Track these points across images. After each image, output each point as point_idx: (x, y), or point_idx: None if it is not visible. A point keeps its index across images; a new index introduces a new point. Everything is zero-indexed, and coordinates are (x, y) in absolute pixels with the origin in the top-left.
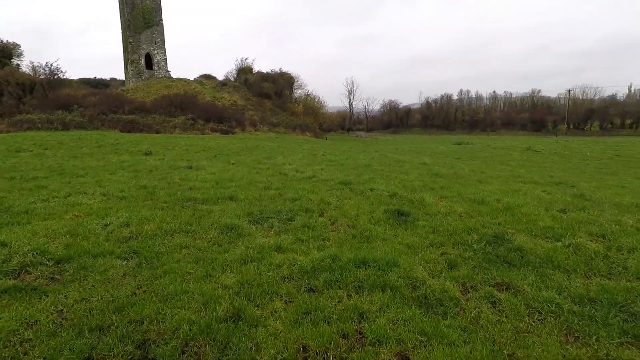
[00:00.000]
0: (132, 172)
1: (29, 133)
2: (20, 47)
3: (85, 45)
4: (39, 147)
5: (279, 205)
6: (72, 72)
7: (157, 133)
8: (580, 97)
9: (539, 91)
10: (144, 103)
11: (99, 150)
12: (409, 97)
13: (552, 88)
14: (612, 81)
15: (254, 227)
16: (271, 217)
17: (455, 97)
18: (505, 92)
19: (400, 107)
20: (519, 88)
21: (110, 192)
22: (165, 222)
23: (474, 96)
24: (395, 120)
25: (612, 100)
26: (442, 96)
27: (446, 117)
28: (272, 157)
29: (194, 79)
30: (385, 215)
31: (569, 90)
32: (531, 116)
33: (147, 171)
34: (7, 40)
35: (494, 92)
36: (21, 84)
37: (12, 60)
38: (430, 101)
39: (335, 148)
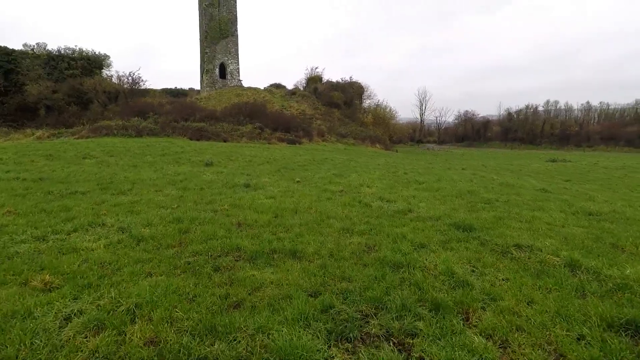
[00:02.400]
0: (180, 189)
1: (104, 139)
2: (109, 57)
3: (173, 58)
4: (105, 153)
5: (375, 285)
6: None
7: (225, 141)
8: None
9: None
10: (214, 111)
11: (161, 160)
12: (485, 109)
13: None
14: None
15: (335, 351)
16: (368, 321)
17: (541, 108)
18: (600, 102)
19: (478, 118)
20: (615, 99)
21: (133, 228)
22: (172, 322)
23: (563, 107)
24: (471, 132)
25: None
26: (527, 106)
27: (531, 130)
28: (345, 174)
29: (264, 87)
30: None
31: None
32: None
33: (197, 189)
34: (98, 52)
35: (588, 102)
36: (107, 92)
37: (102, 70)
38: (512, 112)
39: (414, 164)
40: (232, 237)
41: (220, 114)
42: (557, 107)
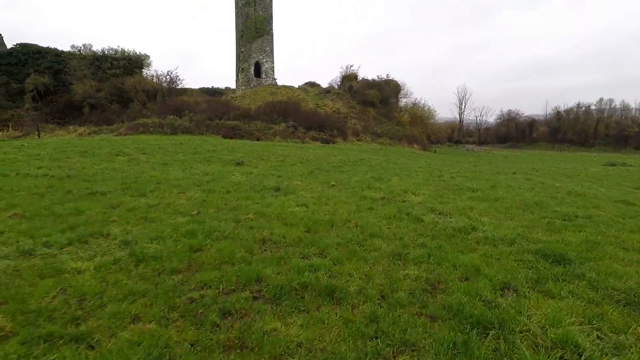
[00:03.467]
0: (205, 192)
1: (140, 136)
2: (149, 57)
3: (212, 59)
4: (139, 151)
5: None
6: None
7: (257, 140)
8: None
9: None
10: (248, 110)
11: (192, 158)
12: (529, 108)
13: None
14: None
15: None
16: None
17: (593, 107)
18: None
19: (522, 118)
20: None
21: (138, 241)
22: None
23: (618, 106)
24: (514, 133)
25: None
26: (578, 105)
27: (582, 131)
28: (384, 177)
29: (299, 86)
30: None
31: None
32: None
33: (223, 192)
34: (139, 52)
35: None
36: (146, 91)
37: (142, 70)
38: (561, 111)
39: (458, 166)
40: (252, 260)
41: (254, 112)
42: (612, 105)
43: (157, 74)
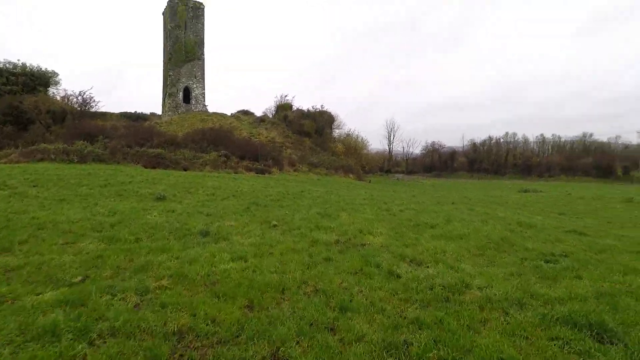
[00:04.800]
0: (106, 241)
1: (37, 165)
2: (58, 75)
3: (138, 82)
4: (28, 183)
5: None
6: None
7: (185, 170)
8: None
9: (591, 135)
10: (174, 137)
11: (100, 192)
12: (449, 140)
13: (598, 131)
14: None
15: None
16: None
17: (501, 140)
18: (553, 135)
19: (444, 149)
20: (561, 132)
21: None
22: None
23: (520, 139)
24: (438, 163)
25: None
26: (490, 138)
27: (495, 161)
28: (331, 213)
29: (232, 114)
30: None
31: None
32: (596, 161)
33: (131, 241)
34: (45, 68)
35: (542, 135)
36: (52, 112)
37: (48, 89)
38: (477, 144)
39: (399, 197)
40: None
41: (182, 139)
42: (515, 139)
43: (66, 94)
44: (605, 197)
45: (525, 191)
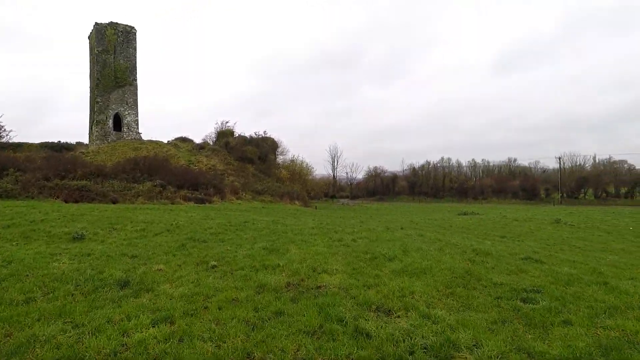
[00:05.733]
0: None
1: None
2: None
3: (64, 111)
4: None
5: None
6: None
7: (114, 203)
8: (567, 165)
9: (515, 160)
10: (102, 167)
11: (1, 234)
12: (390, 165)
13: (521, 157)
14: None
15: None
16: None
17: (438, 164)
18: (482, 159)
19: (386, 174)
20: (490, 157)
21: None
22: None
23: (455, 164)
24: (381, 187)
25: (606, 167)
26: (427, 163)
27: (434, 185)
28: (279, 247)
29: (168, 141)
30: None
31: (560, 157)
32: (522, 184)
33: (18, 304)
34: None
35: (473, 160)
36: None
37: None
38: (416, 168)
39: (349, 224)
40: None
41: (111, 170)
42: (450, 163)
43: None
44: (535, 218)
45: (465, 214)
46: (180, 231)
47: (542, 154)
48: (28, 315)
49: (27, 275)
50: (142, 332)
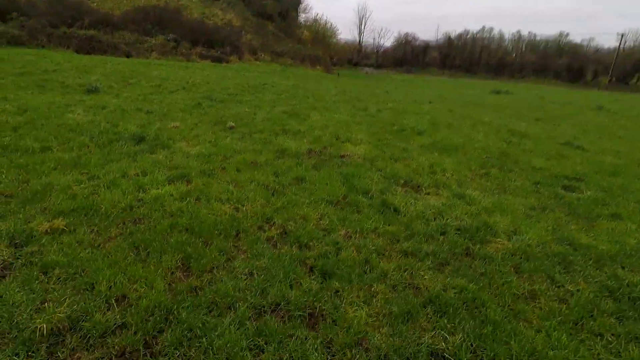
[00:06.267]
0: None
1: None
2: None
3: None
4: None
5: None
6: None
7: (127, 56)
8: (629, 45)
9: (567, 34)
10: (110, 15)
11: (14, 82)
12: (423, 33)
13: (574, 31)
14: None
15: None
16: None
17: (477, 34)
18: (529, 32)
19: (417, 42)
20: (539, 30)
21: None
22: None
23: (496, 35)
24: (410, 57)
25: None
26: (465, 32)
27: (469, 58)
28: (300, 112)
29: None
30: None
31: (623, 34)
32: (569, 63)
33: (34, 152)
34: None
35: (519, 31)
36: None
37: None
38: (452, 37)
39: (373, 93)
40: None
41: (120, 19)
42: (491, 34)
43: None
44: (575, 102)
45: (498, 92)
46: (197, 90)
47: (600, 28)
48: (44, 164)
49: (43, 124)
50: (158, 188)
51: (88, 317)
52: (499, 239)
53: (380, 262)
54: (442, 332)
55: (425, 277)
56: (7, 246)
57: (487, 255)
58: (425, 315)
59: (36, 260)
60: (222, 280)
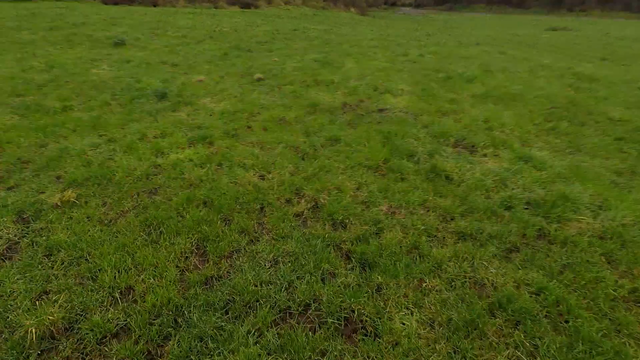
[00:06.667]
0: (20, 113)
1: None
2: None
3: None
4: None
5: None
6: None
7: (154, 6)
8: None
9: None
10: None
11: (45, 37)
12: None
13: None
14: None
15: None
16: None
17: None
18: None
19: None
20: None
21: None
22: None
23: None
24: None
25: None
26: None
27: None
28: (333, 60)
29: None
30: None
31: None
32: None
33: (55, 112)
34: None
35: None
36: None
37: None
38: None
39: (410, 36)
40: None
41: None
42: None
43: None
44: None
45: (554, 29)
46: (224, 39)
47: None
48: (64, 125)
49: (67, 81)
50: (177, 152)
51: (87, 317)
52: (581, 217)
53: (432, 248)
54: (518, 354)
55: (490, 268)
56: (15, 222)
57: (568, 239)
58: (494, 326)
59: (42, 240)
60: (241, 270)
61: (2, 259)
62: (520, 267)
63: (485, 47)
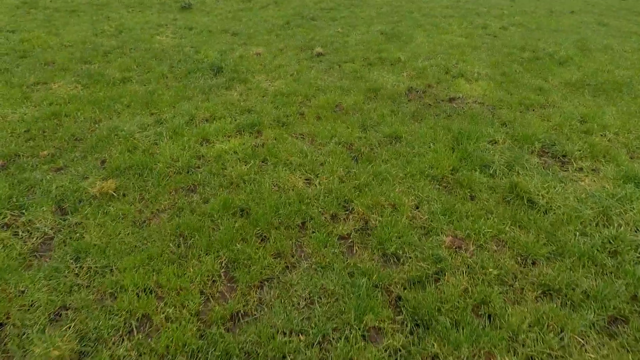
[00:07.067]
0: (83, 83)
1: None
2: None
3: None
4: None
5: None
6: None
7: None
8: None
9: None
10: None
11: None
12: None
13: None
14: None
15: None
16: None
17: None
18: None
19: None
20: None
21: None
22: None
23: None
24: None
25: None
26: None
27: None
28: (401, 32)
29: None
30: None
31: None
32: None
33: (114, 84)
34: None
35: None
36: None
37: None
38: None
39: (492, 2)
40: None
41: None
42: None
43: None
44: None
45: None
46: (288, 4)
47: None
48: (119, 99)
49: (132, 49)
50: (222, 142)
51: (97, 350)
52: None
53: (507, 307)
54: None
55: (587, 346)
56: (54, 212)
57: None
58: None
59: (75, 238)
60: (271, 308)
61: (34, 256)
62: (628, 349)
63: (581, 16)
